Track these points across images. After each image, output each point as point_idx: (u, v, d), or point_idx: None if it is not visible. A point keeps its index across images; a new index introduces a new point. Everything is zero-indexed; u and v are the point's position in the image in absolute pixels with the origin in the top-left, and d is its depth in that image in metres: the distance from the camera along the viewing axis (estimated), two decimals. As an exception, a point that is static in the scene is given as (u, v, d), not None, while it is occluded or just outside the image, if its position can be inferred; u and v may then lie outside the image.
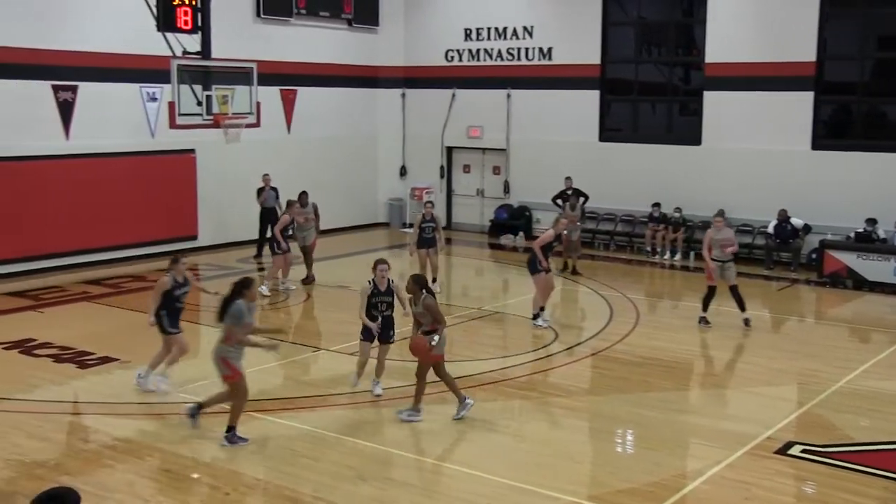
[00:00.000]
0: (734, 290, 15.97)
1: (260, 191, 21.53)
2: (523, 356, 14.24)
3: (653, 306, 18.22)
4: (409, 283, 11.36)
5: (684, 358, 14.40)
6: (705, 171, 22.79)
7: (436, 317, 11.17)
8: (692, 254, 22.61)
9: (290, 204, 18.64)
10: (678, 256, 22.50)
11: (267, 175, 21.53)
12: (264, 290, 17.82)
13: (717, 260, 15.97)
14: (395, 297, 11.94)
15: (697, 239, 22.67)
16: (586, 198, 22.66)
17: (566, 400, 12.20)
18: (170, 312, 12.18)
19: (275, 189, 21.55)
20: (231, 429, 10.45)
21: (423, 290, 11.25)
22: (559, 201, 22.23)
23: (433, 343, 11.16)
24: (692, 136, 23.19)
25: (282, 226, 18.18)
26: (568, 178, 22.62)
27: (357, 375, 12.15)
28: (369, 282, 11.77)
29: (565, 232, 18.05)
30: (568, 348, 14.71)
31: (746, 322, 15.93)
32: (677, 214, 22.65)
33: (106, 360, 13.67)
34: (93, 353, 13.91)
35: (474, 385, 12.67)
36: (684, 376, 13.68)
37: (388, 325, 11.99)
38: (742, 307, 16.00)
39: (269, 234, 20.45)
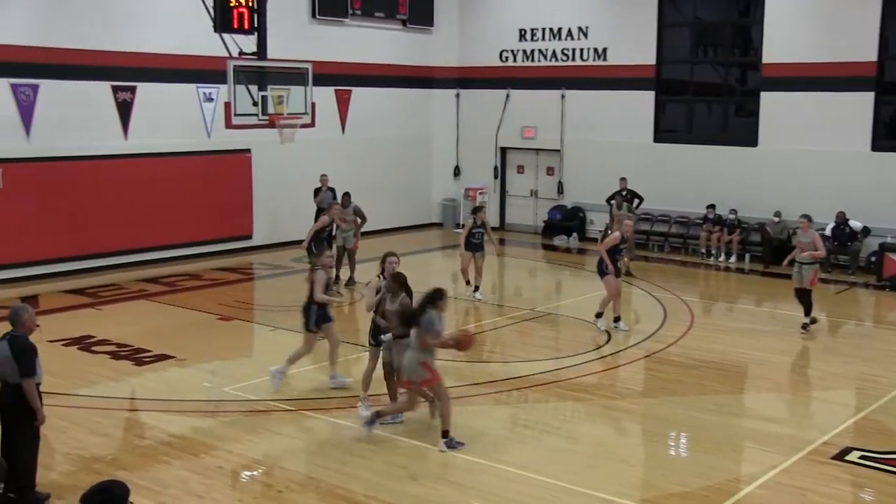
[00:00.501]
0: (806, 294, 15.75)
1: (317, 191, 21.66)
2: (576, 357, 14.16)
3: (707, 309, 18.04)
4: (390, 280, 11.15)
5: (739, 361, 14.24)
6: (761, 173, 22.53)
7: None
8: (747, 256, 22.36)
9: (330, 205, 18.69)
10: (733, 258, 22.27)
11: (325, 175, 21.64)
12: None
13: (799, 262, 15.76)
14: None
15: (753, 241, 22.47)
16: (641, 199, 22.51)
17: (619, 402, 12.12)
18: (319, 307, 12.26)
19: (332, 189, 21.66)
20: (446, 433, 10.35)
21: (403, 290, 11.04)
22: (613, 202, 22.20)
23: (383, 339, 11.02)
24: (748, 137, 22.94)
25: (319, 227, 18.15)
26: (623, 179, 22.49)
27: (364, 389, 11.53)
28: (379, 276, 11.48)
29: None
30: (621, 350, 14.62)
31: (805, 326, 15.72)
32: (732, 216, 22.42)
33: (162, 357, 13.83)
34: (149, 351, 14.07)
35: (527, 386, 12.65)
36: (739, 379, 13.54)
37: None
38: (807, 312, 15.78)
39: (324, 235, 20.75)
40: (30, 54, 18.73)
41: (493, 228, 26.69)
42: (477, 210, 18.13)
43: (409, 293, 11.09)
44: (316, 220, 21.74)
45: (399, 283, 11.11)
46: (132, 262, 20.43)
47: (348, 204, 19.17)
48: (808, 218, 16.20)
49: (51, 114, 19.03)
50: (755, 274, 21.39)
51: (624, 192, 22.24)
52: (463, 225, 19.74)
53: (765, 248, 21.90)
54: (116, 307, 17.22)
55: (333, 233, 18.59)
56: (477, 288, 17.78)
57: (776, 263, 21.34)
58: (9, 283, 18.47)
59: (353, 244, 19.09)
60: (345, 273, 19.21)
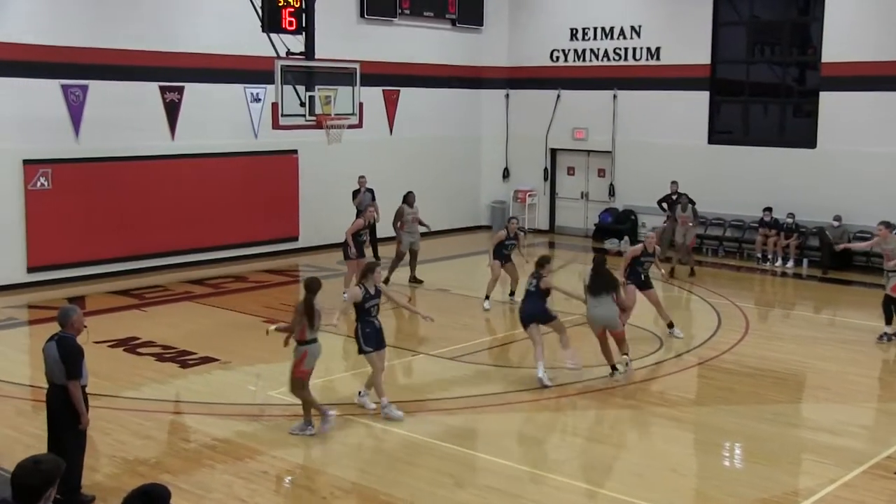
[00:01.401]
0: (891, 302, 15.46)
1: (356, 193, 21.70)
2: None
3: (763, 315, 17.81)
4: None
5: (797, 369, 14.04)
6: (820, 176, 22.21)
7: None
8: (805, 261, 22.05)
9: (367, 208, 18.54)
10: (790, 263, 21.96)
11: (363, 177, 21.63)
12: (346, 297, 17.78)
13: (887, 271, 15.45)
14: (382, 297, 11.72)
15: (811, 245, 22.15)
16: (692, 203, 22.28)
17: (671, 410, 12.00)
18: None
19: (371, 191, 21.67)
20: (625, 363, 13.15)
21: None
22: (664, 205, 22.13)
23: (270, 329, 11.28)
24: (807, 138, 22.63)
25: (354, 229, 17.99)
26: (674, 183, 22.30)
27: (380, 395, 11.55)
28: (361, 286, 11.52)
29: (677, 238, 19.47)
30: (673, 357, 14.47)
31: (886, 337, 15.36)
32: (790, 220, 22.11)
33: (207, 360, 13.92)
34: (194, 353, 14.18)
35: (576, 393, 12.56)
36: (797, 388, 13.35)
37: (381, 328, 11.65)
38: (889, 321, 15.45)
39: (362, 238, 20.84)
40: (79, 55, 18.99)
41: (542, 231, 26.78)
42: (510, 220, 17.92)
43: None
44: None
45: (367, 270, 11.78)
46: (178, 263, 20.61)
47: (413, 202, 19.29)
48: (886, 224, 15.82)
49: (99, 114, 19.28)
50: (813, 279, 21.09)
51: (675, 196, 22.04)
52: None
53: (823, 253, 21.57)
54: (162, 309, 17.37)
55: (364, 237, 18.26)
56: (512, 293, 17.70)
57: (835, 269, 21.11)
58: (57, 283, 18.71)
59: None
60: (403, 272, 19.15)
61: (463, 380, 13.28)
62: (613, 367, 13.21)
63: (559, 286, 13.87)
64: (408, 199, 19.38)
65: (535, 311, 13.08)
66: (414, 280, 19.31)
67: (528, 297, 13.24)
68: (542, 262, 13.29)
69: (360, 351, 11.51)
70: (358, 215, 21.09)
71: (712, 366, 14.08)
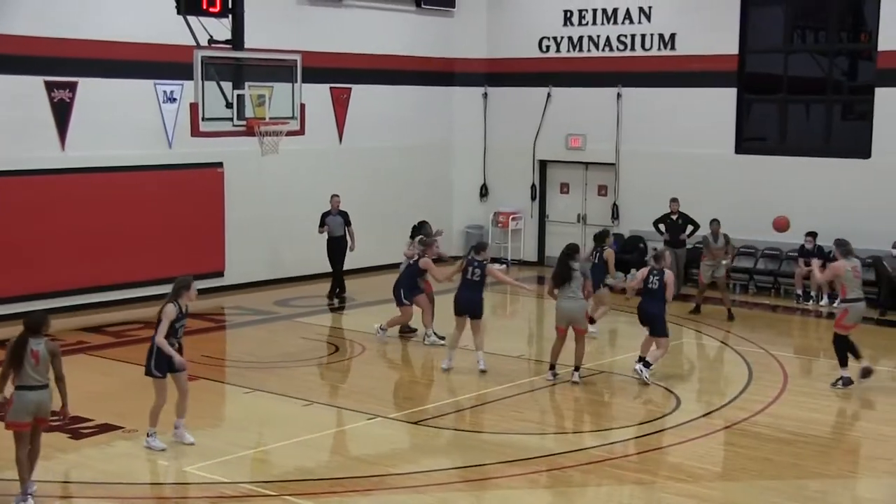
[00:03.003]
0: None
1: (324, 216, 21.84)
2: (636, 428, 14.08)
3: (805, 367, 17.90)
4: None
5: (848, 435, 14.09)
6: (876, 192, 22.41)
7: None
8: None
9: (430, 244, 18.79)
10: (838, 302, 22.05)
11: (336, 196, 21.85)
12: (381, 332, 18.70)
13: None
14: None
15: (864, 280, 22.16)
16: (696, 227, 22.60)
17: (691, 486, 12.01)
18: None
19: (344, 213, 21.85)
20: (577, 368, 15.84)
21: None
22: (661, 226, 22.80)
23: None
24: (859, 146, 22.86)
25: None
26: (674, 201, 22.76)
27: (152, 429, 12.90)
28: (175, 303, 12.82)
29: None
30: (694, 419, 14.50)
31: None
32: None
33: (106, 427, 13.78)
34: (90, 420, 14.01)
35: (572, 465, 12.55)
36: (848, 459, 13.38)
37: (182, 349, 13.16)
38: None
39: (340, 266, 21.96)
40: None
41: (530, 264, 26.81)
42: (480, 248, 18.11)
43: None
44: (329, 251, 21.87)
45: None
46: (69, 305, 20.42)
47: (431, 233, 19.45)
48: None
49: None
50: (868, 322, 21.10)
51: (674, 216, 22.54)
52: (494, 260, 19.73)
53: (881, 289, 21.72)
54: (50, 363, 17.21)
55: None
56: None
57: (895, 309, 21.24)
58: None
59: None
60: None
61: (431, 449, 13.24)
62: (552, 367, 16.12)
63: (502, 276, 17.13)
64: (425, 229, 19.26)
65: (471, 301, 16.46)
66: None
67: (469, 286, 16.54)
68: (480, 249, 16.73)
69: (148, 372, 12.88)
70: (334, 243, 21.29)
71: (743, 430, 14.08)
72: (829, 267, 16.47)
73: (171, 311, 12.73)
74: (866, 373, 16.03)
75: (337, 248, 22.30)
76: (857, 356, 16.08)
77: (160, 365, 12.79)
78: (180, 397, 13.03)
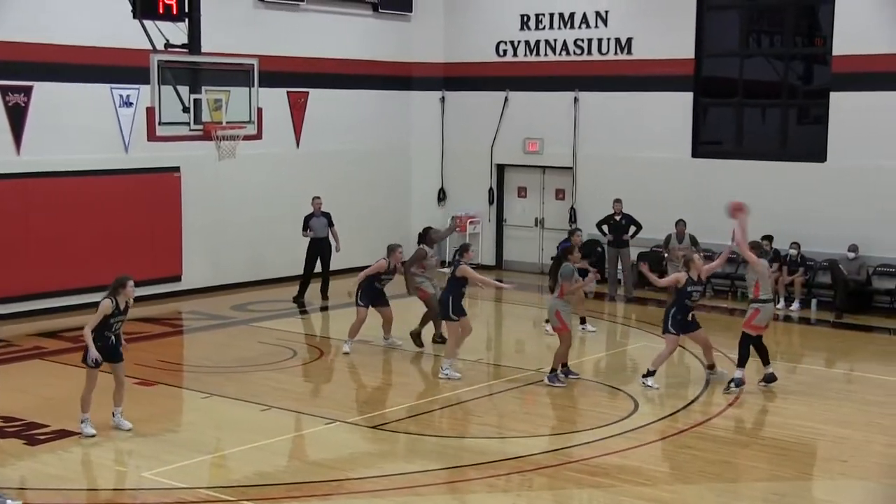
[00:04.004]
0: None
1: (307, 218, 21.96)
2: (594, 432, 14.07)
3: (762, 369, 17.98)
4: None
5: (806, 437, 14.16)
6: (831, 196, 22.56)
7: None
8: (814, 302, 22.35)
9: (392, 249, 18.19)
10: (795, 305, 22.25)
11: (318, 198, 21.99)
12: (346, 348, 18.16)
13: None
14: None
15: (820, 283, 22.47)
16: (638, 228, 22.93)
17: (649, 489, 12.04)
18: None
19: (327, 215, 21.93)
20: (554, 371, 16.08)
21: None
22: (605, 228, 23.32)
23: None
24: (814, 150, 23.01)
25: (373, 272, 18.03)
26: (617, 202, 23.13)
27: (84, 416, 13.47)
28: (112, 300, 13.49)
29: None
30: (652, 423, 14.54)
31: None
32: (794, 251, 22.44)
33: (62, 433, 13.69)
34: (45, 426, 13.93)
35: (531, 468, 12.56)
36: (806, 461, 13.45)
37: (119, 342, 13.82)
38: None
39: (318, 269, 22.12)
40: None
41: (488, 268, 26.82)
42: (393, 249, 18.21)
43: None
44: (309, 252, 21.95)
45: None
46: (25, 311, 20.34)
47: (433, 243, 18.92)
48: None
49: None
50: (824, 325, 21.38)
51: (618, 217, 23.03)
52: (450, 263, 19.57)
53: (837, 292, 21.88)
54: (3, 369, 17.08)
55: (382, 284, 18.37)
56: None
57: (852, 311, 21.41)
58: None
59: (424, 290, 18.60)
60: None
61: (390, 453, 13.24)
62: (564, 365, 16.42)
63: (475, 275, 16.98)
64: (430, 237, 18.95)
65: (443, 301, 16.73)
66: (441, 338, 18.47)
67: (447, 283, 16.94)
68: (464, 250, 16.93)
69: (84, 360, 13.50)
70: (315, 247, 21.28)
71: (700, 433, 14.12)
72: (758, 263, 16.28)
73: (106, 305, 13.44)
74: (770, 378, 16.13)
75: (321, 249, 22.50)
76: (767, 362, 16.17)
77: (84, 355, 13.53)
78: (117, 387, 13.64)
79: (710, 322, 21.12)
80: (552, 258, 17.35)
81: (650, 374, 16.16)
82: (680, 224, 21.68)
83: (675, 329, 16.17)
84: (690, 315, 16.24)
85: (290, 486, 11.97)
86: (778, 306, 22.26)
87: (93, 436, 13.28)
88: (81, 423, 13.48)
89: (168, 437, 13.62)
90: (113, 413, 13.66)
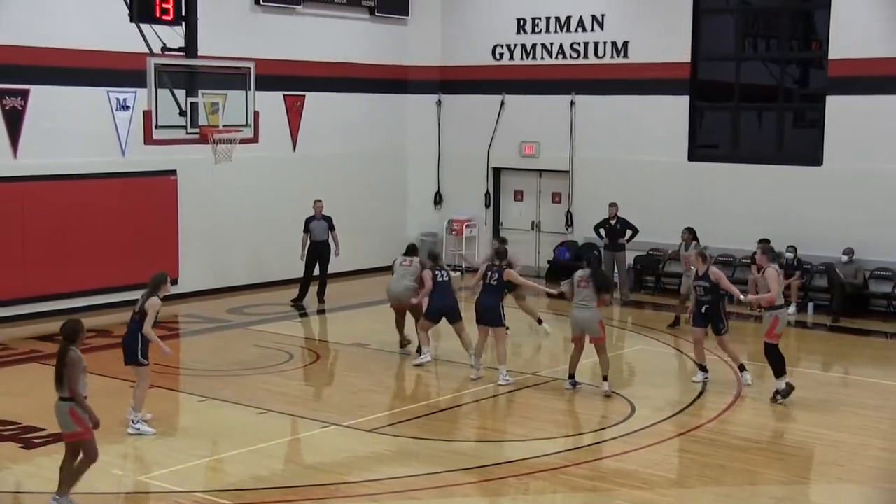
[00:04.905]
0: None
1: (308, 220, 22.04)
2: (592, 435, 14.16)
3: (759, 374, 17.94)
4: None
5: (802, 441, 14.17)
6: (828, 200, 22.58)
7: None
8: (810, 306, 22.36)
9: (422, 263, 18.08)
10: (792, 309, 22.22)
11: (319, 201, 21.96)
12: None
13: None
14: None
15: (817, 286, 22.48)
16: (635, 231, 22.99)
17: (646, 493, 12.05)
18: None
19: (328, 218, 21.94)
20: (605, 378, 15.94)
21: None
22: (602, 231, 23.35)
23: None
24: (811, 153, 23.03)
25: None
26: (612, 205, 23.15)
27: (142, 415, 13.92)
28: (158, 297, 14.11)
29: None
30: (648, 426, 14.54)
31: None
32: (790, 255, 22.44)
33: (59, 437, 13.64)
34: (41, 430, 13.91)
35: (528, 472, 12.56)
36: (802, 466, 13.46)
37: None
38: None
39: (317, 272, 22.22)
40: None
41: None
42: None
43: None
44: (309, 255, 21.91)
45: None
46: (22, 314, 20.31)
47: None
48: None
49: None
50: (821, 329, 21.39)
51: (613, 220, 23.08)
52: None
53: (833, 296, 21.90)
54: (0, 373, 17.12)
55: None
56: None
57: (848, 315, 21.41)
58: None
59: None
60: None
61: (386, 457, 13.23)
62: (571, 377, 16.21)
63: (521, 279, 17.21)
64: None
65: (487, 309, 16.48)
66: (406, 343, 18.58)
67: (487, 291, 16.55)
68: (501, 254, 16.84)
69: (133, 361, 13.95)
70: (318, 248, 21.34)
71: (697, 437, 14.15)
72: (773, 278, 15.70)
73: (157, 303, 13.96)
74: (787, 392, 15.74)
75: (320, 252, 22.43)
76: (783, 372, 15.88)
77: (146, 352, 13.80)
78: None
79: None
80: (587, 266, 16.86)
81: (701, 368, 16.72)
82: (685, 232, 21.49)
83: (693, 322, 16.71)
84: (703, 308, 16.48)
85: (287, 489, 11.98)
86: (778, 310, 22.28)
87: (153, 434, 13.73)
88: (138, 422, 13.79)
89: (165, 441, 13.61)
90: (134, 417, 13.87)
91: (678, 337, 20.00)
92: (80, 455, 11.24)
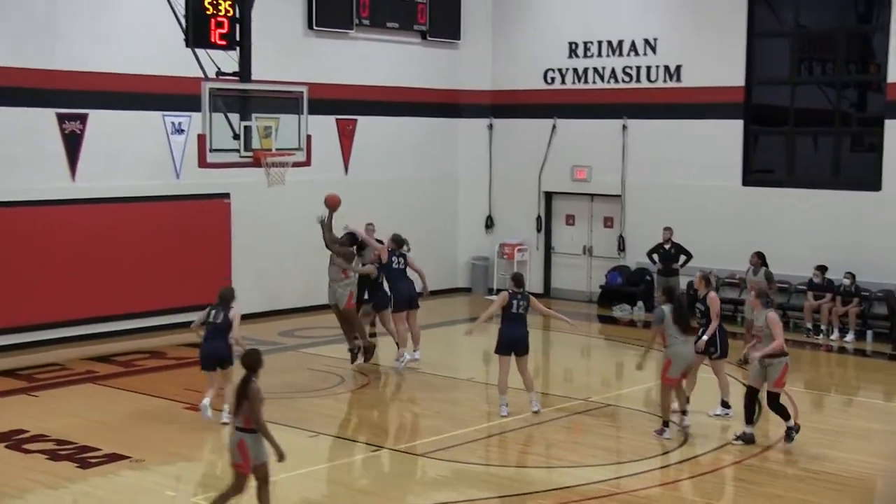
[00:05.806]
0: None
1: (360, 245, 22.08)
2: (644, 462, 14.02)
3: (817, 403, 17.85)
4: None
5: (863, 472, 14.01)
6: (887, 225, 22.35)
7: None
8: (869, 333, 22.11)
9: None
10: (850, 336, 22.00)
11: (371, 224, 21.52)
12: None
13: None
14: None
15: (876, 314, 22.23)
16: (689, 257, 22.77)
17: (701, 521, 11.97)
18: None
19: (381, 242, 21.94)
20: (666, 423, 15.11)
21: None
22: (655, 256, 23.20)
23: None
24: (869, 178, 22.85)
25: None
26: (667, 229, 23.04)
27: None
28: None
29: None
30: (702, 454, 14.46)
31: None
32: (848, 281, 22.23)
33: (113, 457, 13.78)
34: (97, 449, 14.03)
35: (578, 499, 12.50)
36: (864, 497, 13.33)
37: None
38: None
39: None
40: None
41: (537, 295, 26.74)
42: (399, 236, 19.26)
43: None
44: (359, 281, 21.96)
45: None
46: (78, 335, 20.47)
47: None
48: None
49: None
50: (880, 357, 21.15)
51: (667, 245, 22.91)
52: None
53: (893, 324, 21.68)
54: (57, 393, 17.22)
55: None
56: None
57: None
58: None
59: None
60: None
61: (437, 482, 13.22)
62: (683, 412, 15.36)
63: (544, 308, 17.04)
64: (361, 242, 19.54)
65: (517, 336, 15.87)
66: (356, 350, 19.16)
67: (513, 320, 15.86)
68: (519, 281, 16.17)
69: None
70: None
71: (752, 466, 14.03)
72: (777, 323, 14.74)
73: (239, 313, 15.80)
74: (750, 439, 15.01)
75: (370, 276, 22.29)
76: (754, 421, 15.15)
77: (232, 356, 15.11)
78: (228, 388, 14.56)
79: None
80: (688, 298, 16.66)
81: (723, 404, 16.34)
82: (753, 256, 21.21)
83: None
84: (701, 331, 15.96)
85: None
86: (831, 337, 22.09)
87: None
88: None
89: (216, 463, 13.66)
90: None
91: (736, 365, 19.84)
92: (257, 483, 11.23)
